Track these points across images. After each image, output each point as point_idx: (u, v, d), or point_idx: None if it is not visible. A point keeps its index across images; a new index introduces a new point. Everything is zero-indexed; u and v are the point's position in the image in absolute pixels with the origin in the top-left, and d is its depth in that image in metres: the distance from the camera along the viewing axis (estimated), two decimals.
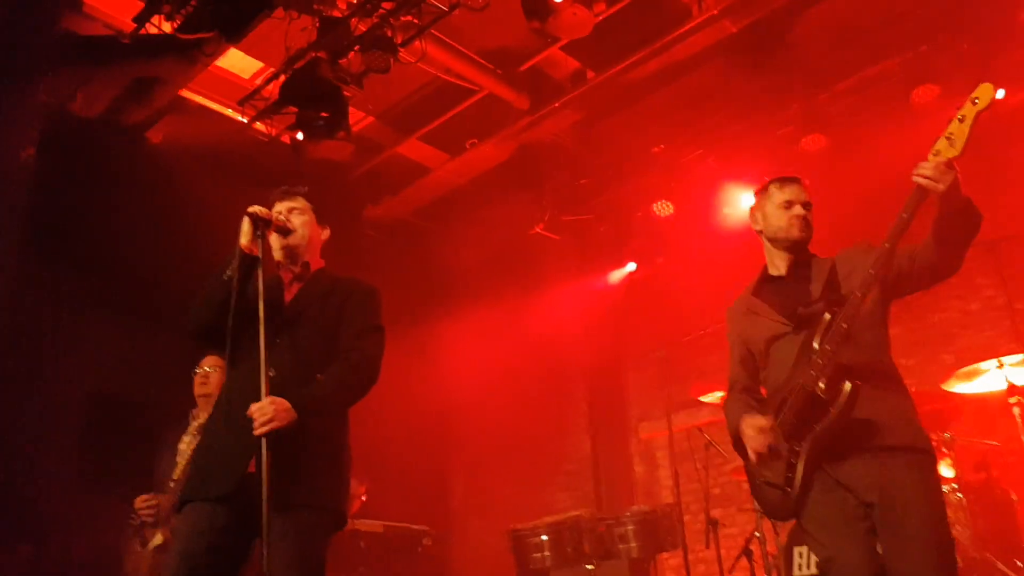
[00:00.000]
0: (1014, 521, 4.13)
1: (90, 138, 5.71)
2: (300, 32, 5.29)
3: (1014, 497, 4.18)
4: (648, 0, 5.70)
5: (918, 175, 2.39)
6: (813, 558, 3.87)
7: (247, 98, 5.94)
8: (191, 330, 2.82)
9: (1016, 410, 4.23)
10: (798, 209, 2.76)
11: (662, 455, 7.10)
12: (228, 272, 2.68)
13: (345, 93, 5.44)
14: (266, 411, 2.46)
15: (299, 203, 2.92)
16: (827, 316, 2.52)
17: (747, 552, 4.77)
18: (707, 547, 4.89)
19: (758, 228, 2.86)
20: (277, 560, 2.37)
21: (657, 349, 5.33)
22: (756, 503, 3.07)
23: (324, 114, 5.41)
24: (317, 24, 5.27)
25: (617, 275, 7.56)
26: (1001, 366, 4.28)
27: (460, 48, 6.09)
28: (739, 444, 2.71)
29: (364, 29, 5.24)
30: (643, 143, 6.83)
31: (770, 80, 6.11)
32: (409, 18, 5.25)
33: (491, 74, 6.32)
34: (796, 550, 4.01)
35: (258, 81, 6.03)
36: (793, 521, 2.77)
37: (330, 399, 2.68)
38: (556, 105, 6.42)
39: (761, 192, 2.87)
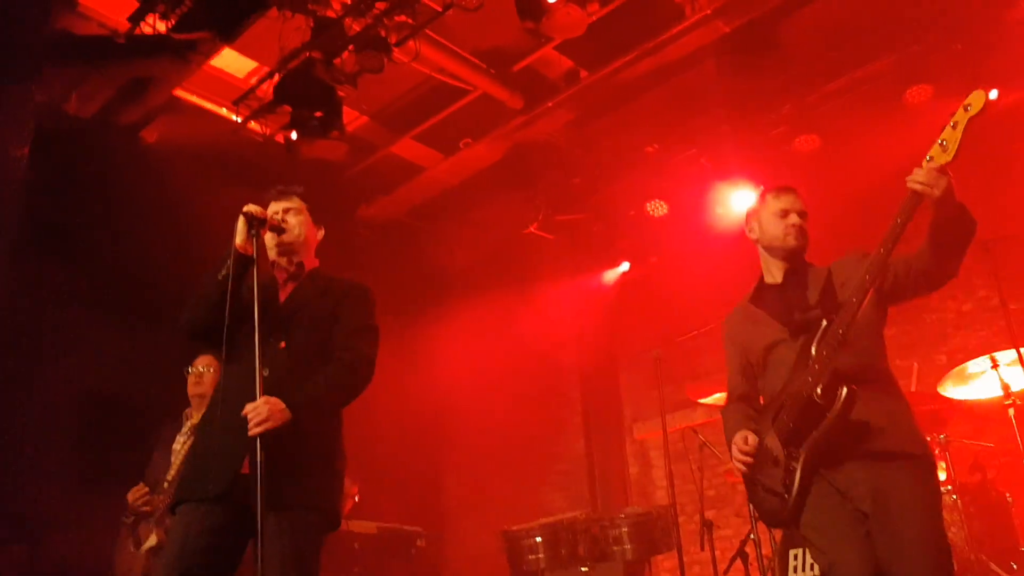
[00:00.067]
0: (1009, 523, 4.15)
1: (85, 138, 5.69)
2: (294, 32, 5.28)
3: (1009, 499, 4.20)
4: (641, 0, 5.71)
5: (912, 181, 2.42)
6: (808, 560, 3.88)
7: (241, 98, 5.93)
8: (186, 329, 2.81)
9: (1011, 411, 4.24)
10: (794, 218, 2.78)
11: (656, 455, 7.11)
12: (223, 271, 2.67)
13: (339, 93, 5.44)
14: (261, 411, 2.46)
15: (295, 203, 2.93)
16: (824, 322, 2.53)
17: (742, 554, 4.77)
18: (702, 549, 4.89)
19: (754, 237, 2.88)
20: (271, 560, 2.37)
21: (651, 349, 5.32)
22: (754, 509, 3.08)
23: (318, 114, 5.41)
24: (311, 24, 5.26)
25: (611, 275, 7.56)
26: (996, 365, 4.29)
27: (454, 48, 6.08)
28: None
29: (358, 29, 5.24)
30: (637, 143, 6.84)
31: (763, 80, 6.12)
32: (403, 18, 5.25)
33: (485, 74, 6.32)
34: (791, 552, 4.01)
35: (252, 81, 6.01)
36: None
37: (325, 399, 2.68)
38: (550, 105, 6.42)
39: (757, 202, 2.90)
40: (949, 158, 2.39)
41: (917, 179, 2.40)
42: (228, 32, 5.14)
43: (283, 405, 2.50)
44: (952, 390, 4.51)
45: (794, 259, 2.81)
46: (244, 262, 2.66)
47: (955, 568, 3.23)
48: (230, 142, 6.09)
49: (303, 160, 5.86)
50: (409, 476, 7.05)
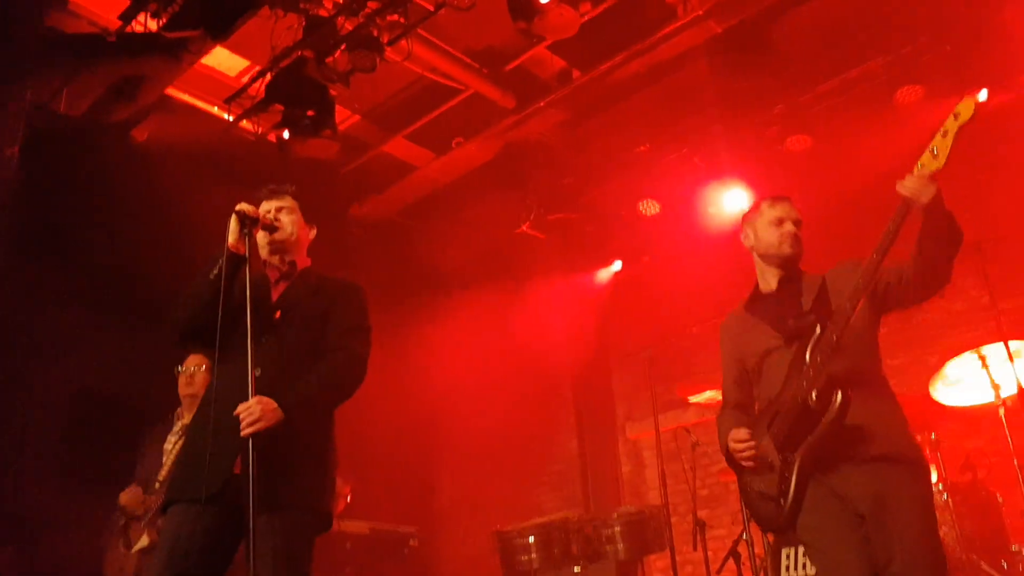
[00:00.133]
0: (999, 522, 4.17)
1: (75, 136, 5.65)
2: (286, 31, 5.26)
3: (999, 498, 4.22)
4: (633, 0, 5.71)
5: (901, 187, 2.46)
6: (800, 559, 3.89)
7: (233, 96, 5.91)
8: (178, 329, 2.80)
9: (1001, 410, 4.27)
10: (789, 226, 2.81)
11: (649, 455, 7.11)
12: (215, 270, 2.66)
13: (331, 92, 5.43)
14: (253, 411, 2.45)
15: (287, 202, 2.92)
16: (818, 329, 2.55)
17: (734, 554, 4.78)
18: (694, 549, 4.89)
19: (749, 245, 2.91)
20: (263, 561, 2.36)
21: (643, 348, 5.33)
22: (750, 514, 3.09)
23: (310, 113, 5.39)
24: (303, 23, 5.25)
25: (603, 274, 7.56)
26: (984, 363, 4.31)
27: (446, 47, 6.08)
28: (731, 458, 2.75)
29: (350, 28, 5.22)
30: (629, 142, 6.84)
31: (755, 80, 6.13)
32: (395, 17, 5.23)
33: (477, 73, 6.32)
34: (784, 551, 4.02)
35: (244, 79, 5.99)
36: None
37: (317, 399, 2.67)
38: (542, 104, 6.42)
39: (752, 210, 2.93)
40: (940, 165, 2.42)
41: (906, 185, 2.44)
42: (220, 30, 5.12)
43: (275, 405, 2.50)
44: (944, 394, 4.54)
45: (789, 267, 2.83)
46: (236, 261, 2.65)
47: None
48: (222, 141, 6.06)
49: (295, 159, 5.84)
50: (402, 476, 7.04)
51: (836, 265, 2.79)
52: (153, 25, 5.20)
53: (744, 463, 2.68)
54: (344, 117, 6.48)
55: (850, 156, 5.75)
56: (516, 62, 6.33)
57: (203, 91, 6.23)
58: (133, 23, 5.26)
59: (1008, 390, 4.25)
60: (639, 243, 7.21)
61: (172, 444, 4.01)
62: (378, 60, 5.25)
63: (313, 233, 3.00)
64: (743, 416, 2.81)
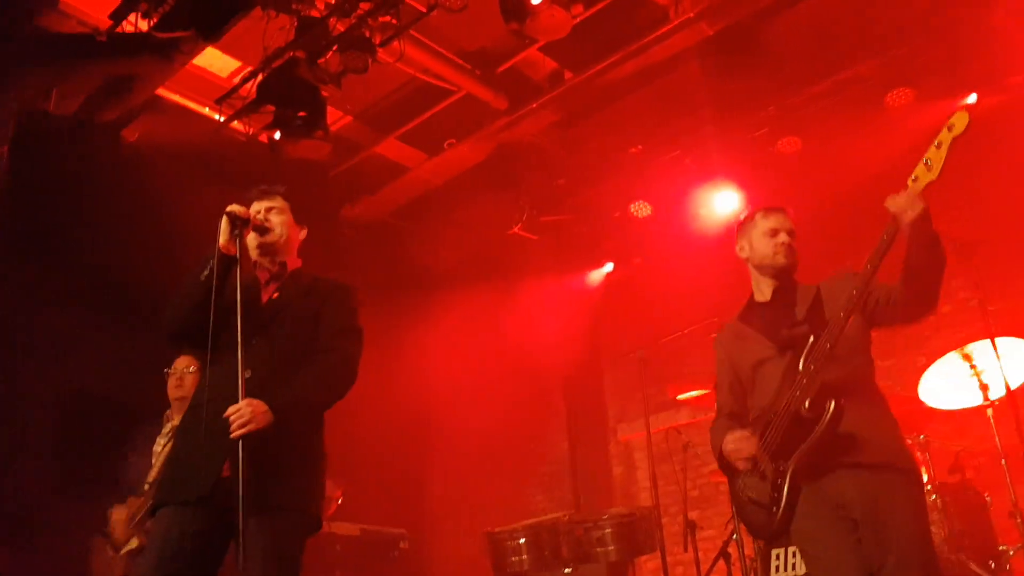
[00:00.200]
0: (988, 522, 4.20)
1: (65, 136, 5.62)
2: (278, 31, 5.25)
3: (988, 498, 4.25)
4: (625, 2, 5.72)
5: (889, 203, 2.48)
6: (790, 560, 3.90)
7: (224, 97, 5.89)
8: (168, 331, 2.79)
9: (989, 412, 4.29)
10: (783, 237, 2.83)
11: (640, 456, 7.12)
12: (206, 272, 2.65)
13: (323, 93, 5.42)
14: (243, 413, 2.44)
15: (277, 202, 2.91)
16: (811, 338, 2.57)
17: (724, 555, 4.79)
18: (685, 550, 4.90)
19: (744, 256, 2.93)
20: (253, 563, 2.35)
21: (635, 350, 5.33)
22: (741, 522, 3.11)
23: (302, 113, 5.38)
24: (295, 23, 5.24)
25: (595, 275, 7.57)
26: (972, 365, 4.34)
27: (438, 49, 6.07)
28: (725, 463, 2.76)
29: (342, 29, 5.22)
30: (621, 144, 6.85)
31: (746, 82, 6.15)
32: (387, 18, 5.23)
33: (469, 74, 6.32)
34: (773, 552, 4.03)
35: (235, 80, 5.97)
36: None
37: (308, 401, 2.67)
38: (534, 106, 6.42)
39: (746, 221, 2.95)
40: (933, 177, 2.45)
41: (895, 201, 2.47)
42: (211, 31, 5.10)
43: (266, 407, 2.49)
44: (932, 396, 4.56)
45: (783, 277, 2.85)
46: (227, 262, 2.64)
47: None
48: (213, 142, 6.04)
49: (287, 160, 5.83)
50: (392, 477, 7.02)
51: (831, 276, 2.81)
52: (144, 25, 5.18)
53: (739, 463, 2.69)
54: (336, 118, 6.47)
55: (841, 158, 5.78)
56: (508, 63, 6.33)
57: (194, 91, 6.21)
58: (124, 23, 5.23)
59: (996, 392, 4.28)
60: (631, 244, 7.22)
61: (161, 446, 3.99)
62: (370, 61, 5.24)
63: (304, 234, 2.99)
64: (736, 426, 2.82)
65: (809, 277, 2.92)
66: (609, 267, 7.49)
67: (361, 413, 5.38)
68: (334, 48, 5.25)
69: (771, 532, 2.62)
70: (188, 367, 4.10)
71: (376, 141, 7.01)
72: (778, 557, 3.98)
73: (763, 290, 2.89)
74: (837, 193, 5.73)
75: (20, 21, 5.00)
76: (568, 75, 6.33)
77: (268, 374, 2.61)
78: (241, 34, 5.30)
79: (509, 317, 7.26)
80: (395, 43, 5.38)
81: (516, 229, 7.33)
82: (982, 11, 5.37)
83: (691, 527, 4.95)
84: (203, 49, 5.47)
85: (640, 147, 6.76)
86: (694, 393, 4.99)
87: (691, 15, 5.58)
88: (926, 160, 2.45)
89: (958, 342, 4.44)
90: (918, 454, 4.22)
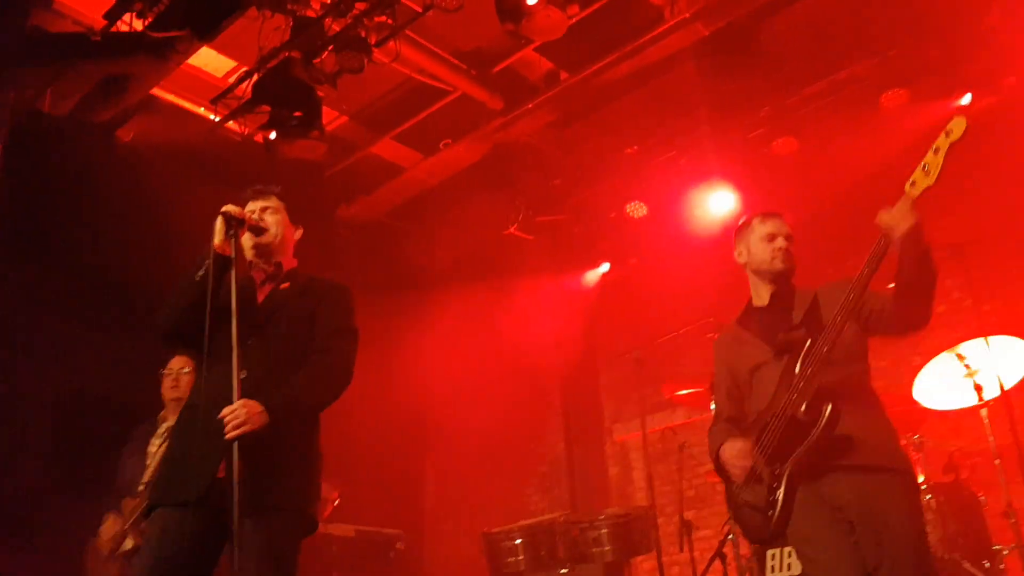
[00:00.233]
0: (982, 522, 4.21)
1: (60, 136, 5.61)
2: (273, 31, 5.24)
3: (982, 498, 4.26)
4: (621, 3, 5.73)
5: (880, 218, 2.49)
6: (786, 561, 3.91)
7: (219, 97, 5.88)
8: (163, 331, 2.78)
9: (983, 412, 4.31)
10: (780, 242, 2.84)
11: (636, 457, 7.13)
12: (201, 272, 2.64)
13: (319, 93, 5.41)
14: (239, 414, 2.43)
15: (272, 202, 2.90)
16: (808, 342, 2.58)
17: (720, 555, 4.79)
18: (681, 550, 4.91)
19: (743, 261, 2.94)
20: (247, 564, 2.34)
21: (631, 350, 5.34)
22: (738, 526, 3.11)
23: (297, 113, 5.37)
24: (290, 23, 5.23)
25: (591, 276, 7.57)
26: (966, 365, 4.35)
27: (434, 49, 6.07)
28: (720, 470, 2.77)
29: (338, 29, 5.21)
30: (616, 144, 6.86)
31: (742, 83, 6.16)
32: (383, 18, 5.23)
33: (465, 75, 6.32)
34: (769, 552, 4.04)
35: (231, 80, 5.96)
36: None
37: (303, 401, 2.66)
38: (530, 106, 6.43)
39: (744, 227, 2.96)
40: (931, 182, 2.45)
41: (884, 217, 2.48)
42: (206, 31, 5.10)
43: (261, 408, 2.48)
44: (927, 397, 4.57)
45: (781, 282, 2.86)
46: (222, 263, 2.63)
47: None
48: (208, 142, 6.03)
49: (282, 160, 5.83)
50: (389, 478, 7.02)
51: (829, 282, 2.81)
52: (139, 25, 5.17)
53: (736, 474, 2.70)
54: (332, 118, 6.46)
55: (836, 158, 5.79)
56: (504, 64, 6.34)
57: (189, 91, 6.20)
58: (118, 22, 5.22)
59: (990, 392, 4.29)
60: (627, 245, 7.23)
61: (156, 447, 3.98)
62: (366, 61, 5.24)
63: (299, 234, 2.98)
64: (734, 430, 2.83)
65: (805, 276, 2.93)
66: (605, 267, 7.49)
67: (357, 414, 5.39)
68: (330, 48, 5.25)
69: (767, 535, 2.63)
70: (183, 368, 4.09)
71: (372, 141, 7.01)
72: (773, 557, 3.98)
73: (761, 295, 2.90)
74: (833, 193, 5.74)
75: (15, 20, 4.98)
76: (564, 75, 6.33)
77: (263, 375, 2.61)
78: (236, 34, 5.29)
79: (505, 317, 7.26)
80: (391, 43, 5.37)
81: (512, 229, 7.33)
82: (977, 12, 5.38)
83: (687, 527, 4.95)
84: (198, 49, 5.46)
85: (636, 147, 6.77)
86: (688, 391, 4.99)
87: (687, 15, 5.59)
88: (924, 165, 2.46)
89: (952, 342, 4.46)
90: (913, 454, 4.23)
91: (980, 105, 5.49)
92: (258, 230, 2.77)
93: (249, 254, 2.82)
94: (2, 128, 4.88)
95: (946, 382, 4.51)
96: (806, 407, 2.51)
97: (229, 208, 2.67)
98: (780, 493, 2.55)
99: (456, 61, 6.23)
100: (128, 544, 3.82)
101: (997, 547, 4.11)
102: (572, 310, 7.50)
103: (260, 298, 2.80)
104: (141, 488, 3.89)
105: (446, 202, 7.58)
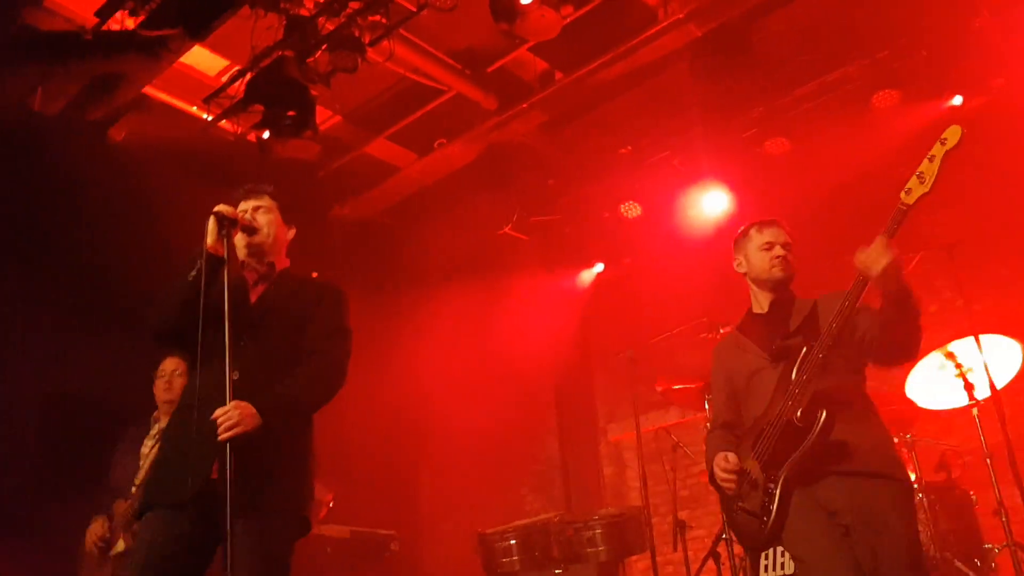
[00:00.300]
0: (973, 521, 4.23)
1: (50, 135, 5.58)
2: (266, 30, 5.22)
3: (973, 497, 4.28)
4: (615, 3, 5.73)
5: (855, 258, 2.50)
6: (779, 560, 3.92)
7: (212, 96, 5.86)
8: (155, 331, 2.76)
9: (975, 411, 4.33)
10: (778, 250, 2.85)
11: (630, 456, 7.13)
12: (193, 272, 2.63)
13: (312, 92, 5.39)
14: (231, 415, 2.42)
15: (264, 202, 2.88)
16: (804, 348, 2.59)
17: (714, 554, 4.80)
18: (674, 549, 4.91)
19: (743, 271, 2.96)
20: (240, 566, 2.34)
21: (625, 350, 5.34)
22: (732, 531, 3.12)
23: (291, 113, 5.35)
24: (283, 22, 5.21)
25: (585, 276, 7.58)
26: (956, 363, 4.37)
27: (428, 48, 6.07)
28: (715, 479, 2.78)
29: (331, 28, 5.20)
30: (610, 144, 6.86)
31: (734, 84, 6.18)
32: (377, 18, 5.22)
33: (459, 74, 6.32)
34: (762, 552, 4.05)
35: (223, 79, 5.95)
36: None
37: (296, 403, 2.65)
38: (524, 106, 6.43)
39: (742, 237, 2.97)
40: (926, 190, 2.47)
41: (859, 257, 2.49)
42: (199, 29, 5.08)
43: (253, 409, 2.46)
44: (919, 396, 4.59)
45: (781, 290, 2.88)
46: (215, 263, 2.62)
47: None
48: (200, 141, 6.01)
49: (275, 160, 5.81)
50: (383, 479, 7.01)
51: (829, 293, 2.82)
52: (130, 23, 5.15)
53: (722, 486, 2.72)
54: (325, 118, 6.45)
55: (828, 159, 5.81)
56: (498, 63, 6.34)
57: (182, 90, 6.18)
58: (110, 21, 5.20)
59: (981, 392, 4.31)
60: (621, 245, 7.24)
61: (149, 448, 3.97)
62: (360, 60, 5.22)
63: (291, 233, 2.96)
64: (731, 436, 2.85)
65: (798, 276, 2.94)
66: (599, 267, 7.50)
67: (351, 414, 5.37)
68: (323, 47, 5.23)
69: (761, 540, 2.64)
70: (176, 370, 4.07)
71: (366, 141, 7.00)
72: (767, 557, 3.99)
73: (761, 303, 2.92)
74: (825, 193, 5.76)
75: (5, 19, 4.96)
76: (558, 75, 6.34)
77: (256, 376, 2.59)
78: (229, 33, 5.28)
79: (499, 317, 7.26)
80: (385, 42, 5.37)
81: (506, 229, 7.33)
82: (966, 14, 5.41)
83: (681, 527, 4.96)
84: (190, 48, 5.44)
85: (630, 148, 6.78)
86: (681, 386, 4.98)
87: (680, 16, 5.61)
88: (919, 173, 2.48)
89: (943, 341, 4.48)
90: (904, 452, 4.25)
91: (970, 106, 5.52)
92: (251, 230, 2.76)
93: (242, 254, 2.80)
94: None
95: (938, 381, 4.53)
96: (801, 413, 2.53)
97: (221, 208, 2.65)
98: (775, 498, 2.57)
99: (450, 61, 6.23)
100: (120, 546, 3.80)
101: (988, 545, 4.14)
102: (566, 310, 7.51)
103: (253, 298, 2.79)
104: (133, 489, 3.87)
105: (440, 202, 7.57)
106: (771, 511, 2.57)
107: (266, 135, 5.52)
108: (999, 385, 4.26)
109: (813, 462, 2.53)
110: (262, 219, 2.82)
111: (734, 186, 6.41)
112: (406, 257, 8.17)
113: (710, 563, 4.82)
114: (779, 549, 3.93)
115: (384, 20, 5.24)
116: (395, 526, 5.92)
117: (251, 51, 5.33)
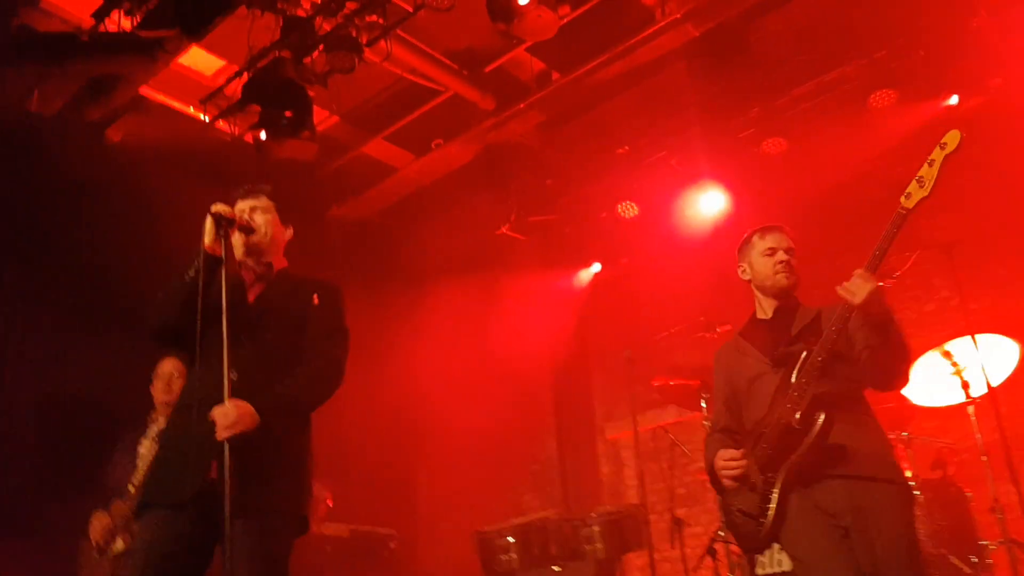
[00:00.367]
0: (969, 518, 4.25)
1: (48, 136, 5.58)
2: (263, 31, 5.23)
3: (968, 494, 4.30)
4: (612, 3, 5.75)
5: (838, 290, 2.51)
6: (776, 557, 3.93)
7: (209, 97, 5.87)
8: (153, 331, 2.76)
9: (971, 409, 4.35)
10: (781, 255, 2.86)
11: (628, 455, 7.14)
12: (191, 272, 2.64)
13: (309, 92, 5.40)
14: (229, 415, 2.42)
15: (262, 202, 2.88)
16: (804, 353, 2.60)
17: (711, 551, 4.82)
18: (672, 547, 4.93)
19: (746, 278, 2.97)
20: (240, 566, 2.34)
21: (623, 349, 5.36)
22: (730, 533, 3.13)
23: (288, 113, 5.36)
24: (280, 23, 5.22)
25: (582, 275, 7.59)
26: (952, 361, 4.39)
27: (425, 48, 6.08)
28: (715, 479, 2.79)
29: (328, 28, 5.21)
30: (608, 144, 6.87)
31: (731, 83, 6.19)
32: (374, 18, 5.22)
33: (456, 75, 6.32)
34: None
35: (220, 80, 5.95)
36: None
37: (294, 402, 2.65)
38: (521, 106, 6.44)
39: (745, 243, 2.98)
40: (926, 194, 2.49)
41: (844, 286, 2.50)
42: (196, 30, 5.08)
43: (251, 409, 2.47)
44: (916, 394, 4.61)
45: (785, 297, 2.88)
46: (212, 263, 2.62)
47: None
48: (198, 142, 6.02)
49: (273, 160, 5.82)
50: (381, 478, 7.01)
51: (832, 305, 2.83)
52: (127, 24, 5.16)
53: (726, 482, 2.72)
54: (323, 118, 6.45)
55: (825, 158, 5.82)
56: (496, 64, 6.35)
57: (179, 91, 6.18)
58: (107, 22, 5.20)
59: (977, 390, 4.33)
60: (618, 245, 7.24)
61: (147, 449, 3.97)
62: (357, 61, 5.23)
63: (289, 233, 2.96)
64: (730, 440, 2.86)
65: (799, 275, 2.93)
66: (597, 267, 7.51)
67: (349, 413, 5.38)
68: (320, 48, 5.24)
69: (759, 542, 2.65)
70: (174, 370, 4.08)
71: (363, 141, 7.01)
72: (763, 554, 4.00)
73: (765, 309, 2.93)
74: (822, 193, 5.77)
75: (2, 20, 4.96)
76: (555, 76, 6.35)
77: (254, 375, 2.59)
78: (226, 33, 5.28)
79: (497, 317, 7.27)
80: (382, 43, 5.37)
81: (504, 229, 7.34)
82: (963, 14, 5.42)
83: (678, 524, 4.97)
84: (187, 48, 5.45)
85: (627, 148, 6.79)
86: (677, 381, 4.98)
87: (677, 16, 5.62)
88: (919, 177, 2.49)
89: (940, 340, 4.50)
90: (901, 449, 4.27)
91: (967, 106, 5.53)
92: (248, 229, 2.76)
93: (239, 254, 2.80)
94: None
95: (934, 379, 4.55)
96: (800, 416, 2.54)
97: (219, 208, 2.65)
98: (773, 500, 2.58)
99: (447, 61, 6.24)
100: (119, 545, 3.81)
101: (984, 542, 4.15)
102: (564, 309, 7.52)
103: (251, 298, 2.79)
104: (131, 489, 3.88)
105: (438, 202, 7.58)
106: (768, 513, 2.58)
107: (263, 135, 5.52)
108: (995, 383, 4.28)
109: (811, 464, 2.54)
110: (260, 219, 2.83)
111: (731, 186, 6.42)
112: (404, 257, 8.18)
113: (707, 560, 4.84)
114: (776, 547, 3.94)
115: (381, 20, 5.25)
116: (394, 525, 5.93)
117: (248, 51, 5.33)
